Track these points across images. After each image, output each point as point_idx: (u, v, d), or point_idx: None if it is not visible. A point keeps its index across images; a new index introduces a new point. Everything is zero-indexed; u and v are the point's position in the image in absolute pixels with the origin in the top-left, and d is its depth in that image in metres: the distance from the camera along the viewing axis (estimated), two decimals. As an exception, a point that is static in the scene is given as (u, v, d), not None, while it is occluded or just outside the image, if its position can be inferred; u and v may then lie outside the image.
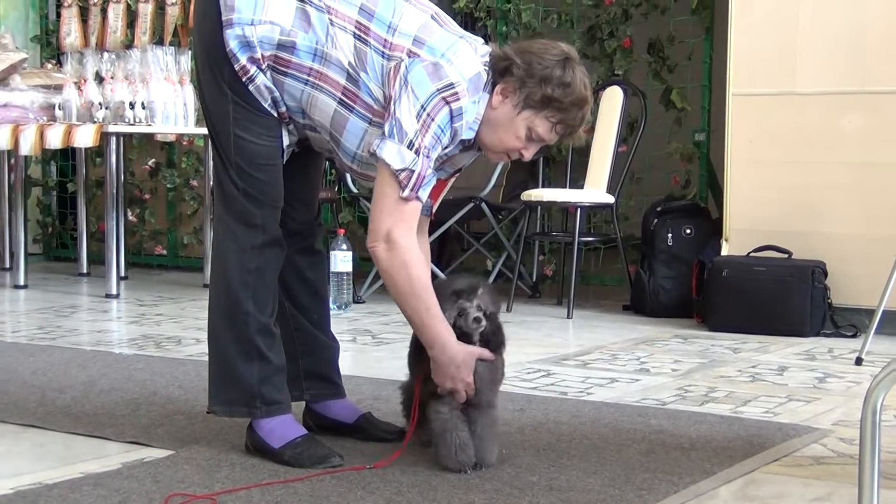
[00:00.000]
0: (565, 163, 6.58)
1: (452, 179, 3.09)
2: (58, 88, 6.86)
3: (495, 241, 6.73)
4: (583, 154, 6.46)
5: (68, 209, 8.47)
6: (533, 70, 2.81)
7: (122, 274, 6.98)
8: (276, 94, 2.90)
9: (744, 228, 5.62)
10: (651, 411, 3.59)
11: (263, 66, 2.86)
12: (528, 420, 3.41)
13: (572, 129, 2.87)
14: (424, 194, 2.81)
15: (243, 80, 2.86)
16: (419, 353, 2.92)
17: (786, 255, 5.44)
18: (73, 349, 4.66)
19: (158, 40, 7.76)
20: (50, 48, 8.51)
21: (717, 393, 3.92)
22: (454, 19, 3.02)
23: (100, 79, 6.80)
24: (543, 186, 6.52)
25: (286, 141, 2.97)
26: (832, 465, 2.99)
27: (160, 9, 7.90)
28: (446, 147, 2.84)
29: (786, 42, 5.51)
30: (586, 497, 2.65)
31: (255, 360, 2.93)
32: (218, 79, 2.89)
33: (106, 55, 6.91)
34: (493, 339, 2.88)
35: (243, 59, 2.85)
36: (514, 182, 6.62)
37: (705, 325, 5.48)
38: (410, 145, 2.74)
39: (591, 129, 6.39)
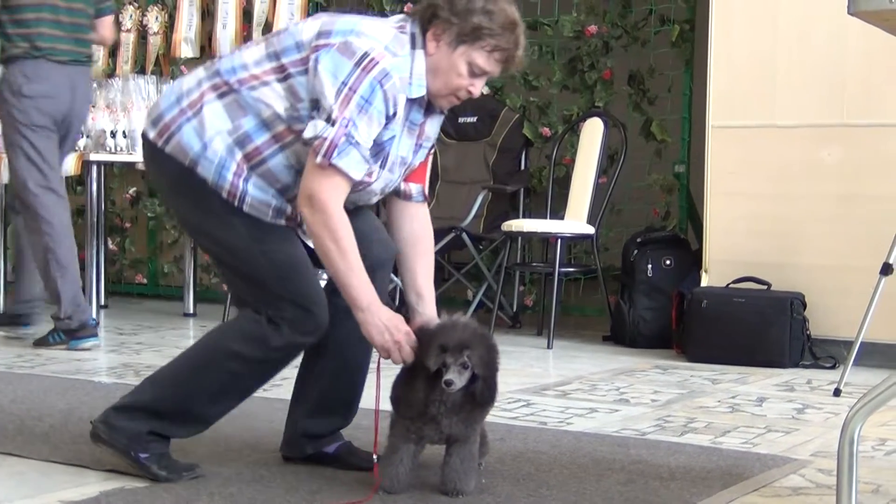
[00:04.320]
0: (546, 193, 6.60)
1: (430, 159, 3.16)
2: (39, 116, 6.85)
3: (476, 271, 6.74)
4: (563, 185, 6.50)
5: (48, 237, 8.43)
6: (456, 6, 2.91)
7: (102, 302, 6.96)
8: (274, 201, 2.95)
9: (723, 260, 5.65)
10: (630, 441, 3.59)
11: (245, 173, 2.91)
12: (508, 449, 3.42)
13: (509, 53, 2.95)
14: (344, 164, 2.82)
15: (236, 205, 2.92)
16: (399, 391, 2.95)
17: (765, 287, 5.47)
18: (53, 377, 4.64)
19: (140, 69, 7.77)
20: (32, 76, 8.49)
21: (696, 423, 3.93)
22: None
23: (82, 107, 6.79)
24: (524, 217, 6.54)
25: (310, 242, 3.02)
26: (810, 496, 3.00)
27: (142, 38, 7.92)
28: (392, 114, 2.87)
29: (765, 75, 5.56)
30: (565, 527, 2.65)
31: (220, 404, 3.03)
32: (220, 215, 2.94)
33: (88, 84, 6.90)
34: (480, 395, 2.83)
35: (227, 183, 2.91)
36: (495, 212, 6.64)
37: (685, 355, 5.49)
38: (328, 118, 2.81)
39: (572, 160, 6.44)
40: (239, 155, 2.91)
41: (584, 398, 4.41)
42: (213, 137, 2.91)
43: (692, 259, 5.96)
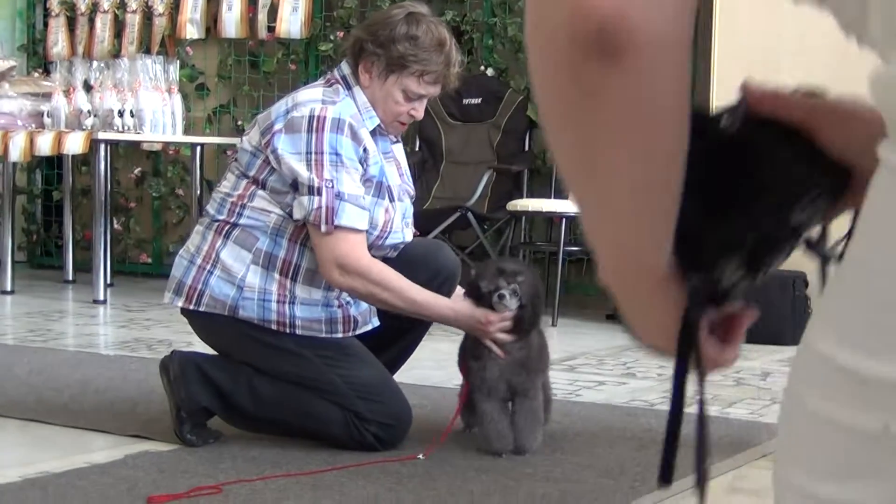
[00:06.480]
0: (549, 174, 6.66)
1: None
2: (46, 96, 6.91)
3: (480, 251, 6.80)
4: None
5: (53, 217, 8.50)
6: (379, 37, 2.99)
7: (109, 281, 7.01)
8: (323, 314, 3.01)
9: (726, 239, 5.70)
10: (640, 411, 3.66)
11: (289, 297, 2.98)
12: (521, 418, 3.48)
13: (439, 73, 3.02)
14: (347, 220, 2.90)
15: (288, 332, 2.98)
16: (465, 354, 3.10)
17: (767, 266, 5.53)
18: (66, 351, 4.70)
19: (146, 50, 7.81)
20: (37, 57, 8.55)
21: (702, 396, 3.99)
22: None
23: (88, 87, 6.85)
24: (528, 197, 6.60)
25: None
26: (818, 462, 3.06)
27: (147, 19, 7.96)
28: (362, 153, 2.95)
29: (769, 65, 5.61)
30: (581, 487, 2.72)
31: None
32: (281, 349, 3.00)
33: (95, 63, 6.96)
34: (524, 321, 3.00)
35: (273, 314, 2.98)
36: (500, 193, 6.70)
37: (688, 333, 5.54)
38: (310, 190, 2.88)
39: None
40: (277, 276, 2.98)
41: (592, 372, 4.48)
42: (244, 276, 2.97)
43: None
